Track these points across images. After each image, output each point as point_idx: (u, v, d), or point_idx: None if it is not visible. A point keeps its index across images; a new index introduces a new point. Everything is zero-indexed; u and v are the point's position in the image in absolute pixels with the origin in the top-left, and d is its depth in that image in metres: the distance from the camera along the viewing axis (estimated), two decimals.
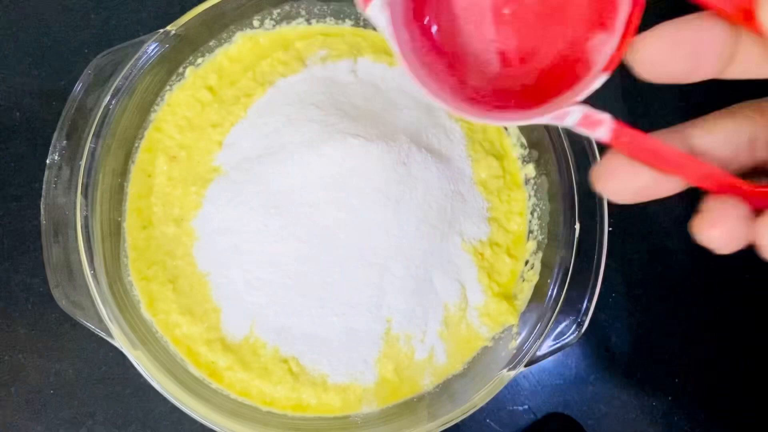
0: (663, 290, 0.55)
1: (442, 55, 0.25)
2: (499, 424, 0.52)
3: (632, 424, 0.54)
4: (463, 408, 0.43)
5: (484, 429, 0.49)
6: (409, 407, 0.46)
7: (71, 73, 0.54)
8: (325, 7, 0.51)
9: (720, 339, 0.55)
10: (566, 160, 0.46)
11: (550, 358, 0.46)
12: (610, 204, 0.45)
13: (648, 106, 0.57)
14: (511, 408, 0.52)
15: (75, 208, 0.42)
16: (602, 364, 0.54)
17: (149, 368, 0.42)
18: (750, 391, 0.55)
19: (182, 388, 0.42)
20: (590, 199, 0.45)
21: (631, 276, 0.55)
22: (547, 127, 0.47)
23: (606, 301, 0.55)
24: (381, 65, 0.51)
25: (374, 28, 0.52)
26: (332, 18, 0.52)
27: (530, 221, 0.50)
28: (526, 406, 0.53)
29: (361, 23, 0.52)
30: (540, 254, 0.48)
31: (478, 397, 0.43)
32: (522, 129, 0.51)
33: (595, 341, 0.55)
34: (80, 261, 0.42)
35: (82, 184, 0.43)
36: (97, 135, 0.44)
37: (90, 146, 0.43)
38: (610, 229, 0.52)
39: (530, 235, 0.50)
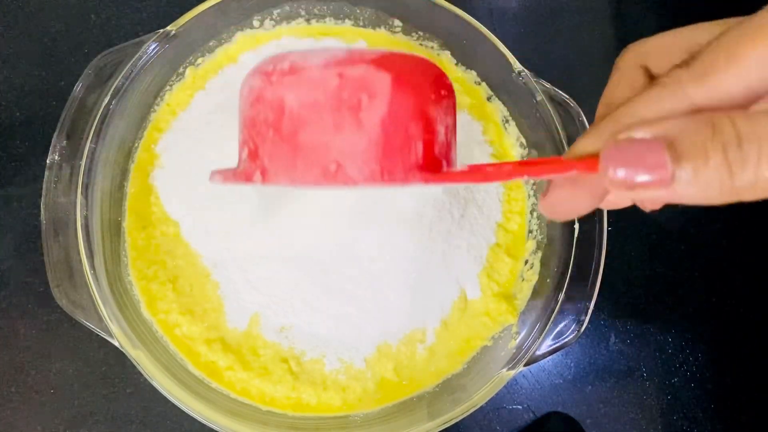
0: (663, 290, 0.55)
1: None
2: (499, 423, 0.52)
3: (631, 424, 0.54)
4: (463, 407, 0.43)
5: (483, 428, 0.49)
6: (409, 406, 0.46)
7: (71, 73, 0.54)
8: (324, 7, 0.51)
9: (719, 339, 0.55)
10: None
11: (550, 358, 0.46)
12: None
13: None
14: (510, 407, 0.52)
15: (75, 208, 0.42)
16: (601, 363, 0.54)
17: (149, 368, 0.42)
18: (749, 390, 0.55)
19: (182, 387, 0.42)
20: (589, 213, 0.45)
21: (631, 276, 0.56)
22: (547, 127, 0.47)
23: (606, 301, 0.55)
24: None
25: (372, 28, 0.52)
26: (332, 18, 0.52)
27: (530, 221, 0.50)
28: (525, 405, 0.53)
29: (361, 23, 0.52)
30: (539, 254, 0.48)
31: (478, 396, 0.43)
32: (521, 128, 0.51)
33: (594, 341, 0.55)
34: (80, 261, 0.42)
35: (82, 184, 0.43)
36: (97, 135, 0.44)
37: (90, 146, 0.43)
38: (610, 228, 0.52)
39: (530, 234, 0.50)
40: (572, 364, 0.54)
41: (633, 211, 0.56)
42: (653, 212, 0.26)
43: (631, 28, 0.59)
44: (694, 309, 0.55)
